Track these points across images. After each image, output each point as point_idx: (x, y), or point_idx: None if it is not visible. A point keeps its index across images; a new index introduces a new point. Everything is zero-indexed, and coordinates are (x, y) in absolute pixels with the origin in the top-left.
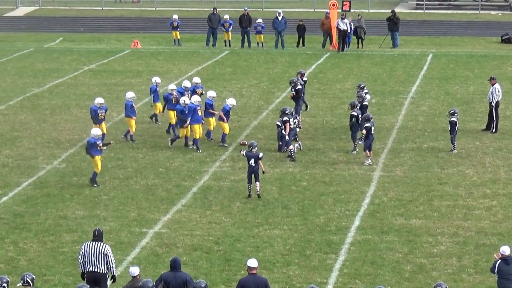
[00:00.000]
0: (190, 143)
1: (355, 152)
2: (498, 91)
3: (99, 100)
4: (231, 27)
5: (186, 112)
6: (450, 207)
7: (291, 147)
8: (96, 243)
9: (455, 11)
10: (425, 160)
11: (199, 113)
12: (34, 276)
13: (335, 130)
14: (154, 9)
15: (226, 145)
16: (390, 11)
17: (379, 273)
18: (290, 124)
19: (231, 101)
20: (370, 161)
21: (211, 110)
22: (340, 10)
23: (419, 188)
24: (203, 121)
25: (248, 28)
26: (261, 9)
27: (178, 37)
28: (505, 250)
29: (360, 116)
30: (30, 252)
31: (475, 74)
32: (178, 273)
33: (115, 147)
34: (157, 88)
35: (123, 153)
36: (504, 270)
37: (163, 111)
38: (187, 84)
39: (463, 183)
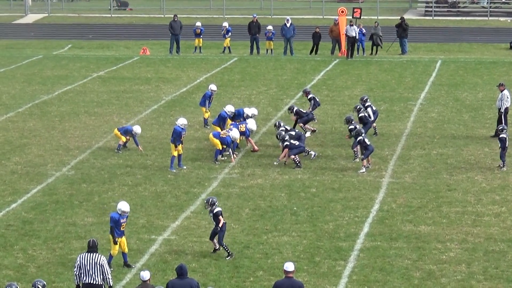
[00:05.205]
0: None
1: (357, 159)
2: (507, 97)
3: (183, 121)
4: (230, 34)
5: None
6: (459, 214)
7: (292, 156)
8: (92, 254)
9: (464, 18)
10: (434, 166)
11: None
12: (45, 283)
13: (344, 136)
14: (162, 16)
15: (237, 153)
16: (399, 17)
17: (388, 279)
18: (288, 142)
19: (252, 111)
20: (364, 170)
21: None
22: (350, 17)
23: (428, 195)
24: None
25: (257, 35)
26: (270, 16)
27: (201, 45)
28: None
29: (357, 127)
30: (39, 259)
31: (484, 81)
32: (185, 279)
33: (123, 154)
34: (212, 96)
35: (132, 160)
36: None
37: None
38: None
39: (472, 189)
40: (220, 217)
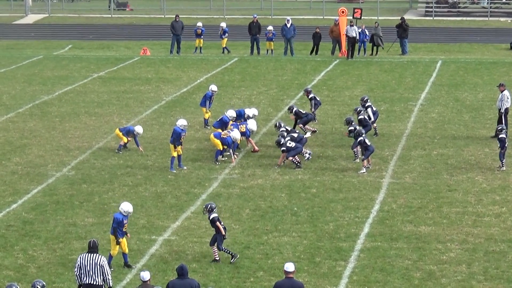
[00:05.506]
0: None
1: (357, 160)
2: (507, 98)
3: (183, 122)
4: (226, 34)
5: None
6: (459, 214)
7: (290, 158)
8: (92, 254)
9: (464, 18)
10: (435, 167)
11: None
12: (44, 283)
13: (344, 137)
14: (163, 16)
15: (237, 153)
16: (399, 18)
17: (389, 280)
18: (285, 147)
19: (253, 112)
20: (364, 170)
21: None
22: (351, 18)
23: (428, 195)
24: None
25: (258, 35)
26: (270, 16)
27: (201, 45)
28: None
29: (357, 128)
30: (39, 260)
31: (484, 81)
32: (185, 280)
33: (124, 154)
34: (213, 96)
35: (132, 160)
36: None
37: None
38: (249, 112)
39: (473, 189)
40: (217, 223)
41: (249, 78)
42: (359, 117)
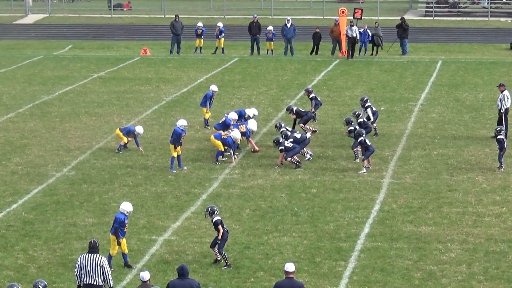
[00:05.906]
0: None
1: (357, 160)
2: (508, 98)
3: (183, 122)
4: (223, 34)
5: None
6: (459, 214)
7: (289, 159)
8: (92, 254)
9: (464, 18)
10: (435, 167)
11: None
12: (46, 283)
13: (344, 137)
14: (163, 16)
15: (237, 154)
16: (399, 18)
17: (389, 280)
18: (283, 146)
19: (253, 112)
20: (365, 170)
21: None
22: (351, 18)
23: (428, 195)
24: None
25: (258, 35)
26: (270, 16)
27: (201, 45)
28: None
29: (357, 128)
30: (39, 260)
31: (484, 81)
32: (185, 280)
33: (124, 154)
34: (213, 97)
35: (133, 160)
36: None
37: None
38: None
39: (473, 190)
40: (220, 226)
41: (249, 78)
42: (359, 120)
